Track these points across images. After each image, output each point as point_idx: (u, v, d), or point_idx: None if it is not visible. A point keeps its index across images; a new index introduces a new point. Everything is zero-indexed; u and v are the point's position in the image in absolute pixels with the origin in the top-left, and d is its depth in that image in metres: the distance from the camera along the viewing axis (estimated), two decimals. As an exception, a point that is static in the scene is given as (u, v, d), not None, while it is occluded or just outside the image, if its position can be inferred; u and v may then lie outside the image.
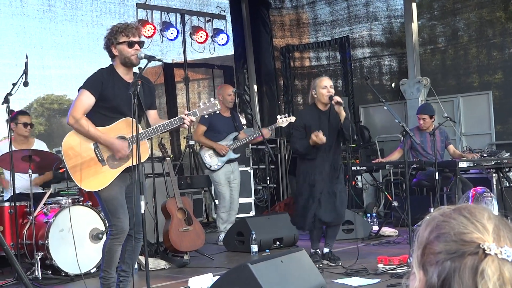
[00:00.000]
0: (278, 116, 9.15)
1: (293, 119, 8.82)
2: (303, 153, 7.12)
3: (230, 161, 9.17)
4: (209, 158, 9.07)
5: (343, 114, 7.00)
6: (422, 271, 1.49)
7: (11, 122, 7.75)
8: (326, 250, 7.26)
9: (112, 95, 5.35)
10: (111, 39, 5.40)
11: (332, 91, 7.14)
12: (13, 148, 7.46)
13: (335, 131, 7.14)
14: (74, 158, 5.33)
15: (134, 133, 4.96)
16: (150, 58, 5.28)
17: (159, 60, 5.39)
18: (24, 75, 6.72)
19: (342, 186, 7.29)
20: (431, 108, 9.72)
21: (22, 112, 8.18)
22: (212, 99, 5.66)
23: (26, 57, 6.77)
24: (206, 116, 5.80)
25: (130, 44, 5.37)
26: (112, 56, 5.47)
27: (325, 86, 7.11)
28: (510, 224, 1.48)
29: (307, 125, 7.13)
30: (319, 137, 6.89)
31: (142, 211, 4.97)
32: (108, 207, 5.39)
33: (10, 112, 7.70)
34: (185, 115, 5.43)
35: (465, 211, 1.49)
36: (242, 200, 10.78)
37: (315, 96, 7.17)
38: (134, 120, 4.95)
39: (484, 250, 1.41)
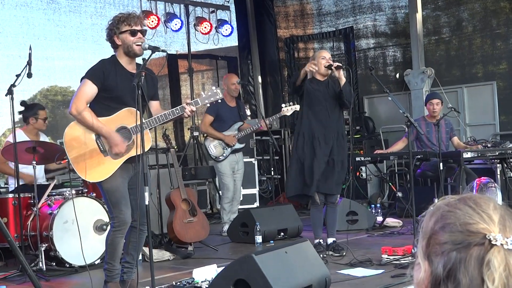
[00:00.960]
0: (283, 105, 9.14)
1: (297, 107, 8.84)
2: (292, 82, 7.24)
3: (235, 151, 9.17)
4: (214, 149, 9.06)
5: (343, 79, 7.10)
6: (427, 261, 1.48)
7: (31, 117, 7.79)
8: (330, 240, 7.25)
9: (114, 85, 5.34)
10: (114, 29, 5.39)
11: (331, 62, 7.21)
12: (28, 139, 7.55)
13: (335, 99, 7.22)
14: (76, 149, 5.33)
15: (138, 124, 4.96)
16: (154, 49, 5.27)
17: (163, 51, 5.37)
18: (27, 66, 6.72)
19: (345, 156, 7.32)
20: (439, 94, 9.75)
21: (41, 107, 8.14)
22: (214, 87, 5.63)
23: (30, 48, 6.77)
24: (208, 105, 5.79)
25: (133, 33, 5.35)
26: (115, 47, 5.46)
27: (324, 57, 7.23)
28: None
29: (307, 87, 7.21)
30: (311, 66, 7.06)
31: (146, 202, 4.96)
32: (110, 199, 5.38)
33: (24, 104, 7.80)
34: (186, 104, 5.43)
35: (470, 201, 1.48)
36: (247, 191, 10.80)
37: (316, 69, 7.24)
38: (138, 111, 4.93)
39: (490, 240, 1.41)
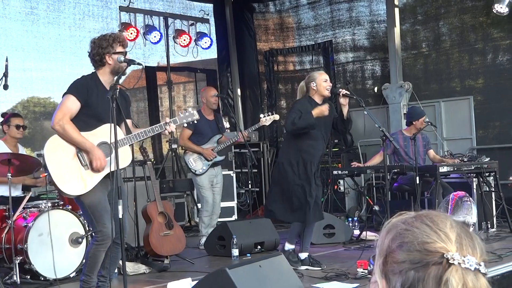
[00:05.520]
0: (261, 115, 9.11)
1: (276, 117, 8.92)
2: (304, 128, 6.97)
3: (214, 164, 9.15)
4: (194, 163, 9.04)
5: (347, 107, 7.14)
6: (385, 280, 1.49)
7: (4, 125, 7.81)
8: (305, 255, 7.21)
9: (96, 102, 5.36)
10: (108, 48, 5.39)
11: (331, 85, 7.25)
12: (8, 149, 7.53)
13: (330, 124, 7.24)
14: (57, 162, 5.31)
15: (113, 137, 4.96)
16: (130, 62, 5.30)
17: (139, 64, 5.40)
18: (4, 78, 6.69)
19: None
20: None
21: (15, 115, 8.18)
22: (190, 109, 5.72)
23: (6, 60, 6.74)
24: (185, 125, 5.83)
25: (125, 55, 5.41)
26: (102, 65, 5.45)
27: (326, 80, 7.19)
28: (470, 232, 1.49)
29: (306, 112, 7.03)
30: (322, 108, 6.99)
31: (120, 216, 4.95)
32: (93, 214, 5.35)
33: (3, 115, 7.83)
34: (166, 123, 5.48)
35: (427, 219, 1.49)
36: (225, 204, 10.77)
37: (314, 88, 7.14)
38: (112, 124, 4.94)
39: (448, 259, 1.41)
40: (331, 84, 7.22)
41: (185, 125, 5.81)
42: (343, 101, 7.09)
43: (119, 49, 5.41)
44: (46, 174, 5.50)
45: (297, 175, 7.08)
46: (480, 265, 1.43)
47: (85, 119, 5.37)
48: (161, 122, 5.59)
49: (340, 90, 7.12)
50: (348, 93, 7.10)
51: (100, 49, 5.41)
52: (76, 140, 5.29)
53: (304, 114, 6.94)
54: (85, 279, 5.49)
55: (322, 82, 7.14)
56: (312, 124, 6.94)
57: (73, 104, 5.31)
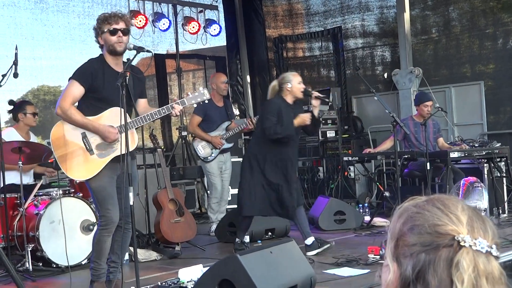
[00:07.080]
0: None
1: None
2: (284, 137, 7.13)
3: (223, 151, 9.15)
4: (202, 150, 9.05)
5: (318, 108, 7.27)
6: (396, 263, 1.49)
7: (19, 113, 7.81)
8: (311, 240, 7.19)
9: (102, 85, 5.36)
10: (97, 29, 5.44)
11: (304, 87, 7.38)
12: (20, 137, 7.55)
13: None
14: (62, 148, 5.35)
15: (123, 124, 4.97)
16: (139, 49, 5.27)
17: (148, 51, 5.39)
18: (14, 66, 6.70)
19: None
20: (430, 95, 9.81)
21: (28, 102, 8.20)
22: (201, 88, 5.66)
23: (16, 48, 6.76)
24: (195, 105, 5.82)
25: (113, 32, 5.36)
26: (101, 47, 5.49)
27: (300, 82, 7.32)
28: (482, 215, 1.49)
29: (281, 113, 7.18)
30: (305, 118, 7.14)
31: (131, 202, 4.96)
32: (97, 198, 5.40)
33: (12, 103, 7.84)
34: (174, 104, 5.46)
35: (438, 203, 1.49)
36: (235, 191, 10.77)
37: (289, 89, 7.25)
38: (122, 111, 4.94)
39: (458, 242, 1.41)
40: (304, 86, 7.32)
41: (195, 105, 5.78)
42: (315, 102, 7.23)
43: (106, 27, 5.37)
44: (53, 159, 5.51)
45: (256, 171, 7.27)
46: (491, 248, 1.43)
47: (93, 102, 5.39)
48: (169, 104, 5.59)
49: (313, 92, 7.28)
50: (320, 95, 7.25)
51: (95, 31, 5.49)
52: (81, 123, 5.31)
53: (285, 122, 7.09)
54: (94, 267, 5.51)
55: (297, 84, 7.28)
56: (292, 136, 7.19)
57: (76, 90, 5.32)
